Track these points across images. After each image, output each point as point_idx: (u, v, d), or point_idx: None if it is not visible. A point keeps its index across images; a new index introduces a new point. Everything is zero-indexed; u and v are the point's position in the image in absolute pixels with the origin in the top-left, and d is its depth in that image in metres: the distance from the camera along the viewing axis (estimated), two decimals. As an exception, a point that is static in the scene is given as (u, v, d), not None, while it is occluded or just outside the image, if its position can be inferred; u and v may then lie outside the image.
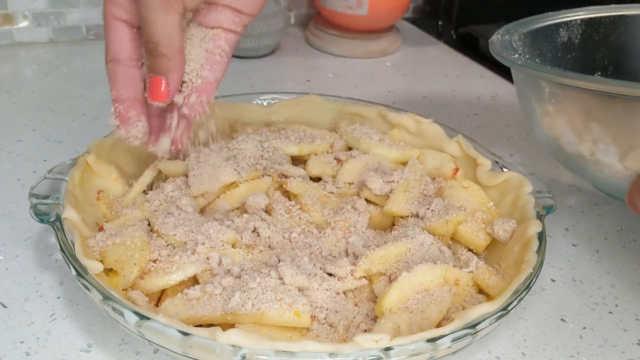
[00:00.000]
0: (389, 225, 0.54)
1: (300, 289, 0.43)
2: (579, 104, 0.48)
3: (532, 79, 0.52)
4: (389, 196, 0.53)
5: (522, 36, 0.60)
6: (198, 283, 0.44)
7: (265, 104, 0.66)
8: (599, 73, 0.65)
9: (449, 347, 0.38)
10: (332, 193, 0.55)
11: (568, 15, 0.64)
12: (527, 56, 0.58)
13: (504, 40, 0.57)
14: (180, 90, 0.45)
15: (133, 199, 0.53)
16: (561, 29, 0.63)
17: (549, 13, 0.64)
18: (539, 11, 0.64)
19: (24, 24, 0.94)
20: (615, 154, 0.47)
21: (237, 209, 0.53)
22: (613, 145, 0.47)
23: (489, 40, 0.58)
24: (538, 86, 0.51)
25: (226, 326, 0.38)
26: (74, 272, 0.41)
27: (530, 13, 0.63)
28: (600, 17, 0.64)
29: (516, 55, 0.53)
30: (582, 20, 0.64)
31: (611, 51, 0.65)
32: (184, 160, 0.54)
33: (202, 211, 0.53)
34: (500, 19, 0.92)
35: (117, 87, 0.45)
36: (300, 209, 0.52)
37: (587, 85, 0.45)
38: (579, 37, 0.64)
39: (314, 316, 0.42)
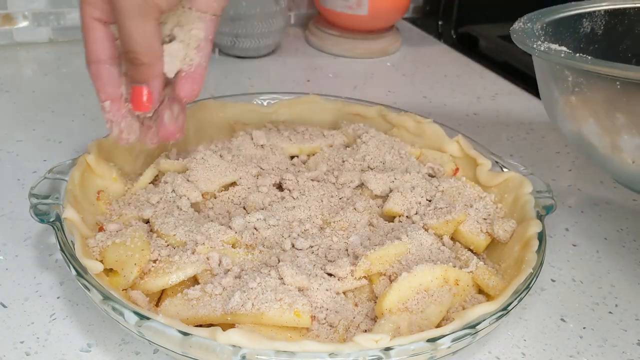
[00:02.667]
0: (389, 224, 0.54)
1: (300, 289, 0.43)
2: (603, 94, 0.47)
3: (555, 68, 0.51)
4: (389, 196, 0.53)
5: (545, 25, 0.58)
6: (198, 283, 0.44)
7: (265, 104, 0.66)
8: None
9: (449, 347, 0.38)
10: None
11: (592, 5, 0.62)
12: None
13: (526, 28, 0.56)
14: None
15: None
16: (584, 20, 0.62)
17: (572, 2, 0.62)
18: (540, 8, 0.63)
19: (24, 24, 0.94)
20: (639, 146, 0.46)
21: (237, 209, 0.53)
22: (638, 137, 0.46)
23: (511, 28, 0.56)
24: (561, 75, 0.50)
25: (226, 326, 0.38)
26: (74, 272, 0.41)
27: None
28: (625, 8, 0.63)
29: (539, 43, 0.52)
30: (605, 11, 0.62)
31: (635, 43, 0.64)
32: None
33: (201, 211, 0.53)
34: (500, 18, 0.92)
35: (104, 87, 0.45)
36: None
37: (613, 72, 0.44)
38: (602, 28, 0.63)
39: (314, 316, 0.42)
